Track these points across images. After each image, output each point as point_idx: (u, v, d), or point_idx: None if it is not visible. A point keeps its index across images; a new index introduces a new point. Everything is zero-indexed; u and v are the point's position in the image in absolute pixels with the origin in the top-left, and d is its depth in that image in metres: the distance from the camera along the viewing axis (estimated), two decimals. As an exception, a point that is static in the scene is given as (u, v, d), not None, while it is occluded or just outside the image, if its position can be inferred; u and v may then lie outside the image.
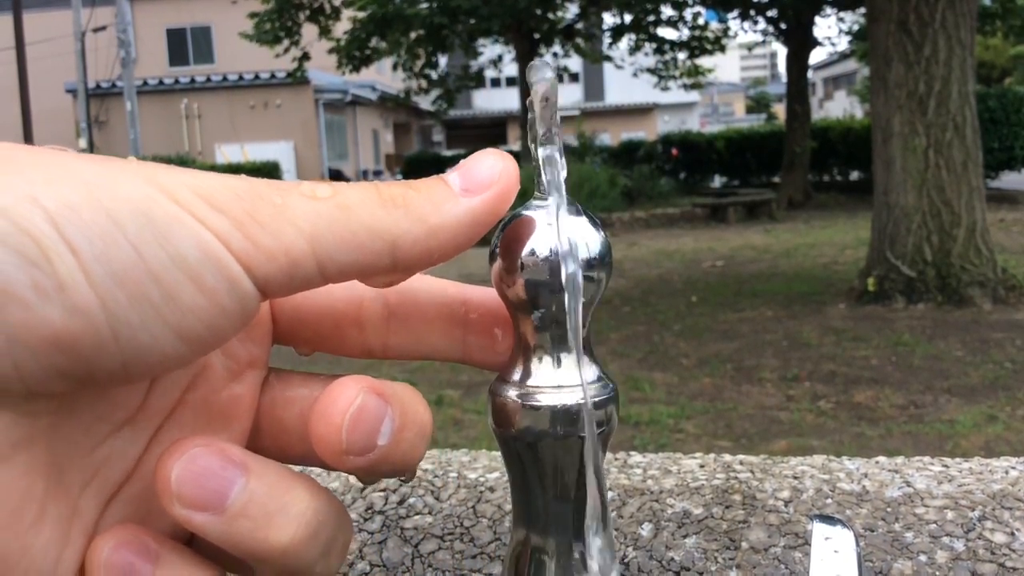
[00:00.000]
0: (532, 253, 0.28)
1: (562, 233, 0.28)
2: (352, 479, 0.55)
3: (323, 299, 0.31)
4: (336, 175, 20.44)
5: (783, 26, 15.13)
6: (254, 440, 0.30)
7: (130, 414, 0.26)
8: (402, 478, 0.30)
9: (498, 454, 0.55)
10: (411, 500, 0.52)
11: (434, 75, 15.51)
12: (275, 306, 0.31)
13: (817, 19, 15.24)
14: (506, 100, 29.04)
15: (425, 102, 18.58)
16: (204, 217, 0.22)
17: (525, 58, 14.49)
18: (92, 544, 0.24)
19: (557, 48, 15.58)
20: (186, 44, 23.25)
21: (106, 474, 0.26)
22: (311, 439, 0.25)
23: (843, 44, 19.13)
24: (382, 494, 0.52)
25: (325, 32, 12.38)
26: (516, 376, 0.30)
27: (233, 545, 0.24)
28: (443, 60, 15.70)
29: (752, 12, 15.06)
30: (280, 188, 0.24)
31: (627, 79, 20.64)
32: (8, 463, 0.22)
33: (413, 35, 13.34)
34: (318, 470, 0.57)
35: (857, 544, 0.33)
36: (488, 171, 0.27)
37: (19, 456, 0.22)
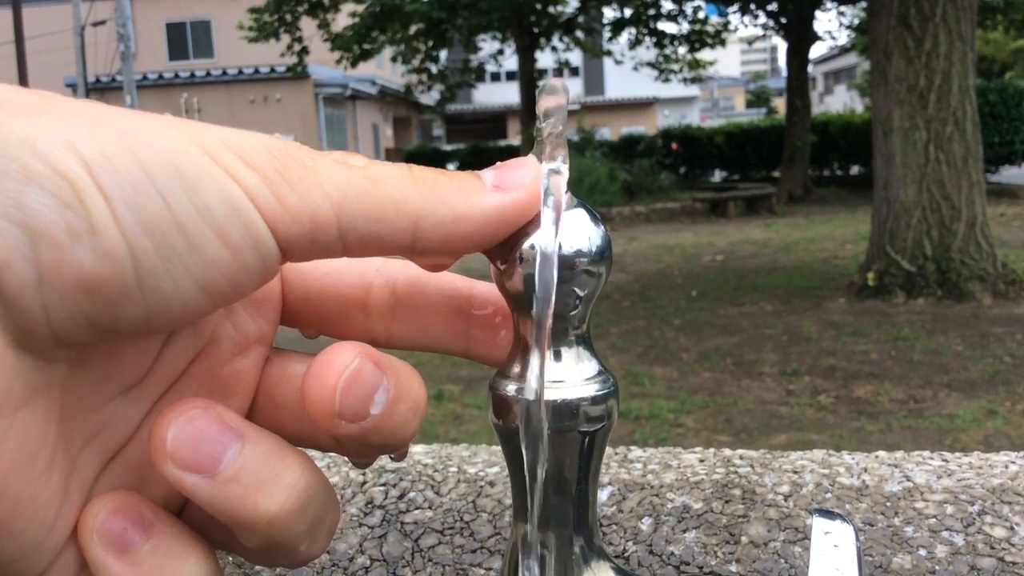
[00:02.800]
0: (532, 247, 0.28)
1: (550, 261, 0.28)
2: (353, 473, 0.55)
3: (332, 282, 0.31)
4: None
5: (783, 20, 15.11)
6: (250, 416, 0.30)
7: (137, 378, 0.26)
8: (393, 456, 0.29)
9: (498, 449, 0.55)
10: (411, 495, 0.52)
11: (434, 69, 15.48)
12: (285, 285, 0.31)
13: (817, 13, 15.23)
14: (506, 94, 28.99)
15: (425, 96, 18.57)
16: (235, 172, 0.23)
17: (525, 52, 14.47)
18: (88, 506, 0.24)
19: (557, 42, 15.56)
20: (186, 38, 23.22)
21: (106, 436, 0.26)
22: (304, 401, 0.25)
23: (843, 38, 19.09)
24: (382, 488, 0.53)
25: (324, 26, 12.34)
26: (516, 371, 0.30)
27: (221, 511, 0.24)
28: (443, 54, 15.68)
29: (752, 6, 15.05)
30: (314, 153, 0.25)
31: (627, 73, 20.63)
32: (28, 407, 0.22)
33: (413, 29, 13.31)
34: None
35: (857, 538, 0.33)
36: (522, 174, 0.28)
37: (38, 401, 0.22)
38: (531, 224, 0.28)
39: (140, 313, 0.22)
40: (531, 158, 0.28)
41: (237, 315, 0.29)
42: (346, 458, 0.30)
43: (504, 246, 0.29)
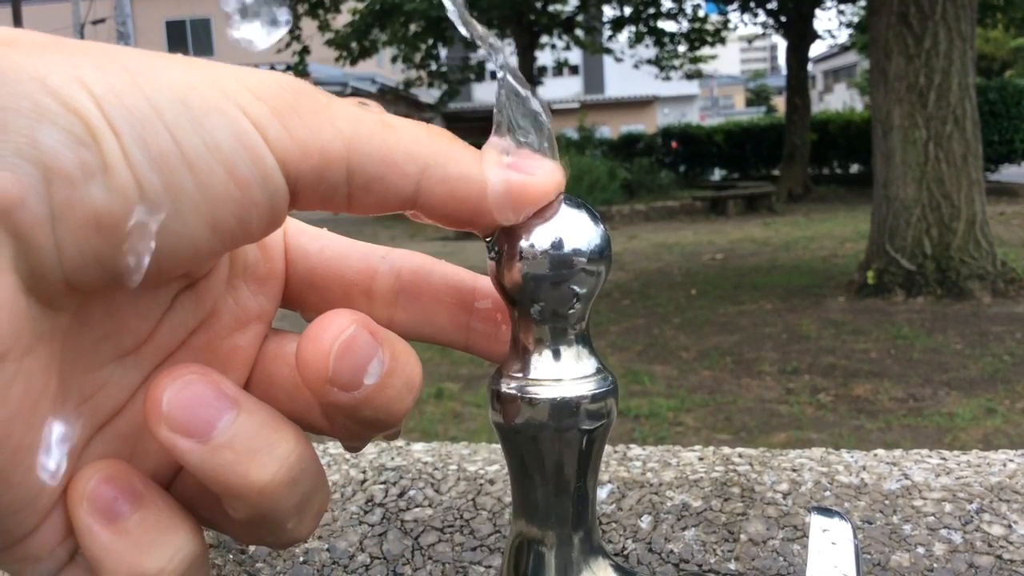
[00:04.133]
0: (532, 246, 0.28)
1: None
2: (353, 471, 0.55)
3: (337, 265, 0.31)
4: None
5: (783, 18, 15.10)
6: None
7: (136, 343, 0.26)
8: (386, 435, 0.29)
9: (498, 447, 0.55)
10: (411, 493, 0.52)
11: (434, 67, 15.49)
12: (289, 266, 0.31)
13: (817, 11, 15.22)
14: (506, 93, 28.92)
15: (425, 95, 18.55)
16: (245, 104, 0.22)
17: (525, 50, 14.46)
18: (79, 473, 0.24)
19: (557, 40, 15.56)
20: (185, 37, 23.22)
21: (100, 400, 0.25)
22: (297, 363, 0.25)
23: (843, 36, 19.09)
24: (382, 487, 0.53)
25: (324, 27, 12.34)
26: (515, 369, 0.30)
27: (212, 477, 0.24)
28: (443, 52, 15.68)
29: (752, 4, 15.04)
30: (328, 94, 0.25)
31: (627, 72, 20.64)
32: (33, 354, 0.22)
33: (413, 27, 13.32)
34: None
35: (855, 536, 0.33)
36: (538, 163, 0.28)
37: (42, 349, 0.22)
38: (534, 219, 0.28)
39: None
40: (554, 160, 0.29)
41: (239, 290, 0.29)
42: (338, 441, 0.30)
43: (505, 235, 0.29)
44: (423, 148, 0.25)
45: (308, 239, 0.32)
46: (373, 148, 0.24)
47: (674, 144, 18.52)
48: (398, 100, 26.10)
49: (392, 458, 0.56)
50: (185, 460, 0.24)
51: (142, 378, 0.27)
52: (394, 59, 15.11)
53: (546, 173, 0.28)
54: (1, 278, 0.20)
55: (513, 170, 0.27)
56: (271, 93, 0.23)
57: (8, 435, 0.21)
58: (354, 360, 0.25)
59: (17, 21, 15.42)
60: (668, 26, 15.71)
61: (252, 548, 0.48)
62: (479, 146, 0.28)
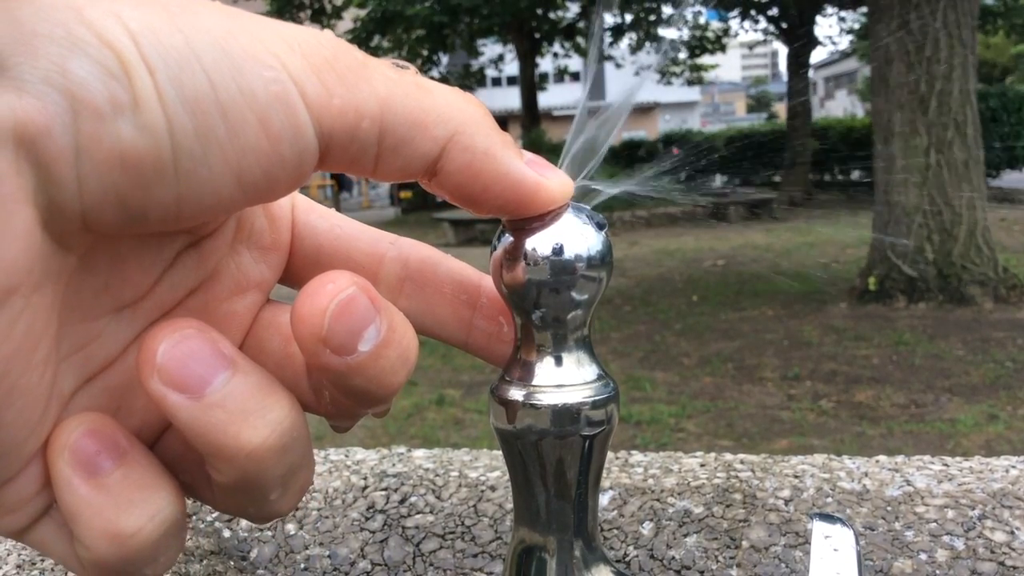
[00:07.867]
0: (534, 251, 0.28)
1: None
2: (354, 478, 0.55)
3: (345, 246, 0.31)
4: (339, 177, 20.44)
5: (783, 25, 15.12)
6: None
7: (135, 297, 0.26)
8: (375, 412, 0.28)
9: (499, 453, 0.55)
10: (412, 499, 0.52)
11: (435, 74, 15.54)
12: (296, 242, 0.31)
13: (818, 18, 15.24)
14: (507, 99, 29.06)
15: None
16: (283, 57, 0.22)
17: (526, 57, 14.49)
18: (62, 423, 0.23)
19: (558, 47, 15.60)
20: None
21: (92, 352, 0.25)
22: (292, 319, 0.24)
23: (844, 43, 19.13)
24: (383, 493, 0.53)
25: (327, 32, 12.39)
26: (517, 375, 0.30)
27: (201, 435, 0.23)
28: (444, 59, 15.73)
29: (753, 11, 15.07)
30: (364, 54, 0.25)
31: (628, 78, 20.68)
32: (40, 292, 0.21)
33: (414, 34, 13.36)
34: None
35: (857, 542, 0.33)
36: (553, 170, 0.28)
37: (48, 288, 0.22)
38: (537, 224, 0.29)
39: (172, 197, 0.21)
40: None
41: (242, 256, 0.29)
42: (325, 418, 0.29)
43: (507, 240, 0.29)
44: (456, 113, 0.25)
45: (318, 217, 0.31)
46: (407, 109, 0.24)
47: (675, 150, 18.55)
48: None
49: (393, 464, 0.56)
50: (174, 416, 0.23)
51: (135, 334, 0.26)
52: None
53: (560, 181, 0.28)
54: (21, 209, 0.20)
55: (530, 168, 0.27)
56: (310, 48, 0.23)
57: (6, 373, 0.20)
58: (350, 322, 0.24)
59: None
60: (669, 33, 15.78)
61: (253, 554, 0.48)
62: None
